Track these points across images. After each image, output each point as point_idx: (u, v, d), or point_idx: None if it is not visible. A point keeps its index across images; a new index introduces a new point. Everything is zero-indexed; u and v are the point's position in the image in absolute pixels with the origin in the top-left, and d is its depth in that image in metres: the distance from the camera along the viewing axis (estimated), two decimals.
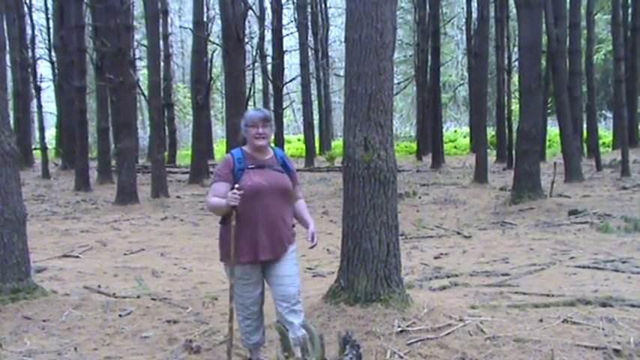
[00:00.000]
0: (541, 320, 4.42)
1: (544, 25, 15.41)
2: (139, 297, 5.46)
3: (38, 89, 22.85)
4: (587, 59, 23.05)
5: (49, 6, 25.60)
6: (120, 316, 4.90)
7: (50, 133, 31.69)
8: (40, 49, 27.88)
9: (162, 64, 20.79)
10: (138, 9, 26.96)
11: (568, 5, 19.85)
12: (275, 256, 3.62)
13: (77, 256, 8.14)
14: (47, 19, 26.39)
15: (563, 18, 18.25)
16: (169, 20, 28.65)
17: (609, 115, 33.66)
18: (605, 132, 31.34)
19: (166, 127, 26.29)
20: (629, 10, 24.57)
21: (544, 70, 20.48)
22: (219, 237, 3.74)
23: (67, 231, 10.23)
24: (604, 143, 27.68)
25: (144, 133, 32.70)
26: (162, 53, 21.16)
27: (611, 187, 15.00)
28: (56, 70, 24.67)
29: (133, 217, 12.06)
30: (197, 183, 18.97)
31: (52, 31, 25.13)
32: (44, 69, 29.49)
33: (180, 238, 9.82)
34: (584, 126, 23.86)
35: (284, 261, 3.68)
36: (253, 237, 3.55)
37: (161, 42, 20.98)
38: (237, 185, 3.47)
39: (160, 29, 20.23)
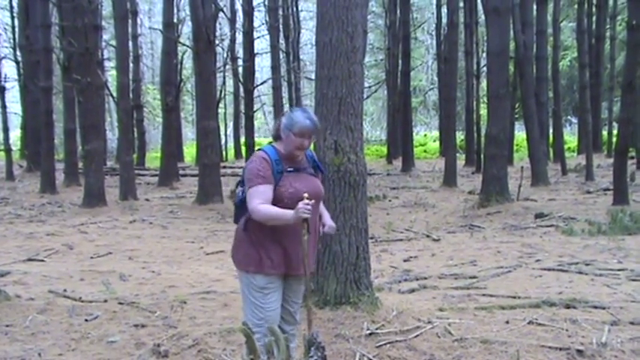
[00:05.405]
0: (507, 322, 4.50)
1: (512, 32, 15.69)
2: (105, 301, 5.38)
3: (2, 89, 22.30)
4: (554, 65, 23.52)
5: (14, 4, 25.06)
6: (86, 320, 4.82)
7: (15, 134, 31.04)
8: (5, 48, 27.28)
9: (131, 65, 20.55)
10: (107, 9, 26.60)
11: (535, 12, 20.24)
12: (305, 270, 3.26)
13: (42, 260, 7.97)
14: (12, 18, 25.79)
15: (530, 25, 18.62)
16: (139, 21, 28.28)
17: (574, 120, 34.39)
18: (571, 137, 32.00)
19: (135, 129, 25.98)
20: (594, 19, 25.17)
21: (512, 75, 20.84)
22: (238, 242, 3.34)
23: (32, 234, 10.01)
24: (569, 148, 28.26)
25: (112, 135, 32.26)
26: (131, 54, 20.93)
27: (575, 191, 15.33)
28: (21, 70, 24.15)
29: (100, 220, 11.87)
30: (166, 185, 18.76)
31: (17, 29, 24.59)
32: (9, 68, 28.80)
33: (149, 242, 9.69)
34: (551, 131, 24.34)
35: (303, 282, 3.39)
36: (290, 249, 3.22)
37: (130, 43, 20.71)
38: (305, 194, 3.07)
39: (130, 30, 19.97)
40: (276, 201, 3.15)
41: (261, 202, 3.12)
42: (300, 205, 3.02)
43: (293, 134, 3.20)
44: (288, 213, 3.07)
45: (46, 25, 18.11)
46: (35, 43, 19.32)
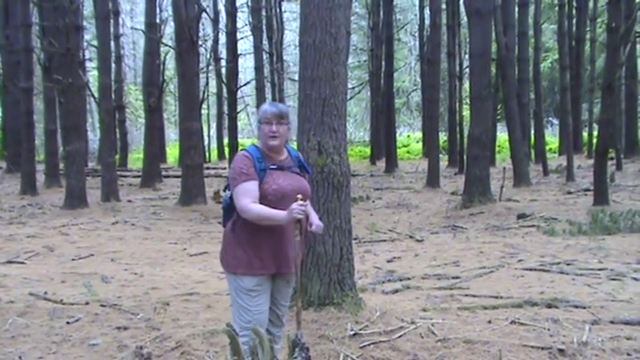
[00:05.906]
0: (490, 322, 4.54)
1: (494, 34, 15.81)
2: (87, 303, 5.33)
3: None
4: (535, 67, 23.75)
5: None
6: (67, 323, 4.77)
7: None
8: None
9: (113, 65, 20.40)
10: (88, 8, 26.34)
11: (516, 15, 20.43)
12: (296, 270, 3.24)
13: (22, 262, 7.88)
14: None
15: (512, 27, 18.78)
16: (121, 21, 28.09)
17: (555, 121, 34.77)
18: (552, 138, 32.32)
19: (117, 130, 25.78)
20: (574, 21, 25.46)
21: (494, 77, 21.01)
22: (227, 244, 3.28)
23: (12, 236, 9.88)
24: (550, 149, 28.55)
25: (94, 136, 32.02)
26: (113, 54, 20.75)
27: (557, 191, 15.49)
28: (1, 70, 23.84)
29: (82, 221, 11.76)
30: (149, 187, 18.64)
31: None
32: None
33: (131, 243, 9.62)
34: (532, 132, 24.58)
35: (290, 284, 3.39)
36: (278, 247, 3.20)
37: (112, 43, 20.56)
38: (299, 195, 3.06)
39: (111, 30, 19.81)
40: (260, 198, 3.14)
41: (250, 200, 3.11)
42: (295, 206, 3.02)
43: (261, 123, 3.26)
44: (281, 213, 3.06)
45: (27, 24, 17.92)
46: (15, 43, 19.11)
